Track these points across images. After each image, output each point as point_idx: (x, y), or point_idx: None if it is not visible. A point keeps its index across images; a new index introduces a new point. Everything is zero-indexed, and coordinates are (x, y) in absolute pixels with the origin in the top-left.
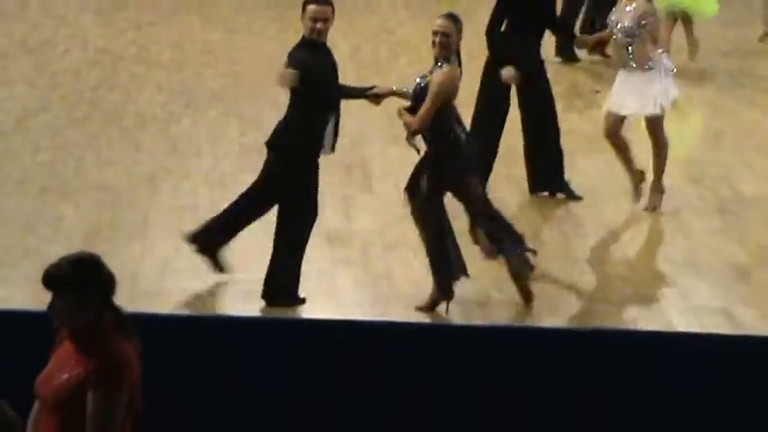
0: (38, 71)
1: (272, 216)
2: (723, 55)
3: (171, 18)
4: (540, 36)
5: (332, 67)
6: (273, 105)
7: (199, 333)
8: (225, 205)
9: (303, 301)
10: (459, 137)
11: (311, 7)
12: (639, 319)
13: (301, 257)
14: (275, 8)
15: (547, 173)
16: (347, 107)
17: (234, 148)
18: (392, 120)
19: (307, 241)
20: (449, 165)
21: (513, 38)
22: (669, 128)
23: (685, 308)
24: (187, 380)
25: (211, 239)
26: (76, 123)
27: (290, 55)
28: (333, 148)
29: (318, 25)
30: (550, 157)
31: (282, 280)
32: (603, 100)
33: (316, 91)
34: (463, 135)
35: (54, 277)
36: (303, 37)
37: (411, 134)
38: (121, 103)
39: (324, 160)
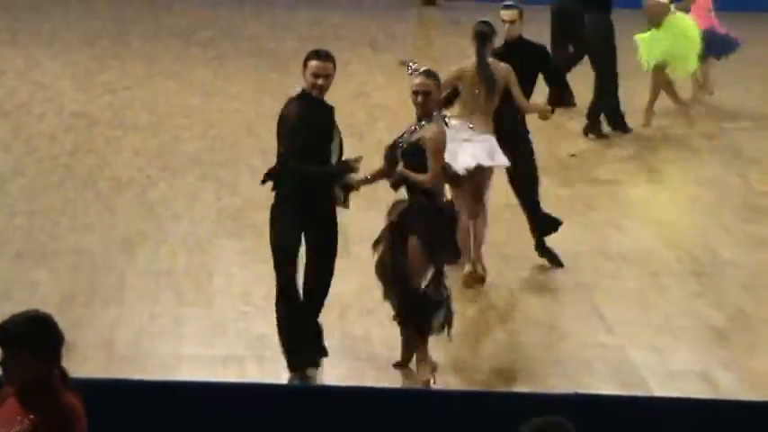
0: (13, 135)
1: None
2: (699, 118)
3: (147, 82)
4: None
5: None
6: (250, 169)
7: (175, 399)
8: (200, 270)
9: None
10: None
11: (313, 63)
12: (618, 383)
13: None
14: (253, 72)
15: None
16: None
17: (211, 212)
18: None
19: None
20: (434, 222)
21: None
22: (645, 192)
23: (664, 372)
24: None
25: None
26: (52, 187)
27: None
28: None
29: (320, 81)
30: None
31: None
32: (580, 164)
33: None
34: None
35: (8, 334)
36: (303, 90)
37: (422, 191)
38: (97, 166)
39: None
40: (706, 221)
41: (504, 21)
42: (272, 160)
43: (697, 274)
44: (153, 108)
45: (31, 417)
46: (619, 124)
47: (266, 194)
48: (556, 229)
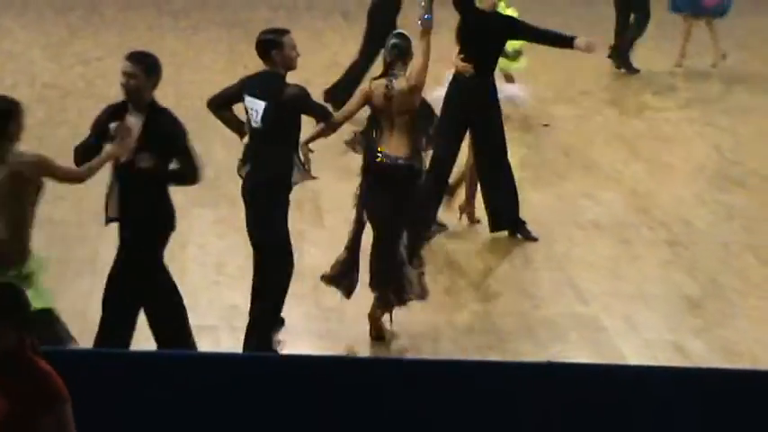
0: None
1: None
2: (673, 87)
3: (119, 52)
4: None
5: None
6: (223, 139)
7: (148, 369)
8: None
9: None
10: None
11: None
12: (592, 352)
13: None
14: (225, 42)
15: (505, 210)
16: None
17: None
18: (341, 154)
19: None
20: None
21: (471, 77)
22: (621, 161)
23: (637, 341)
24: (135, 416)
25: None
26: None
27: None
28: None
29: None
30: (507, 193)
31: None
32: (553, 134)
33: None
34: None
35: None
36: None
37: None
38: (70, 138)
39: None
40: (679, 191)
41: None
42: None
43: (670, 243)
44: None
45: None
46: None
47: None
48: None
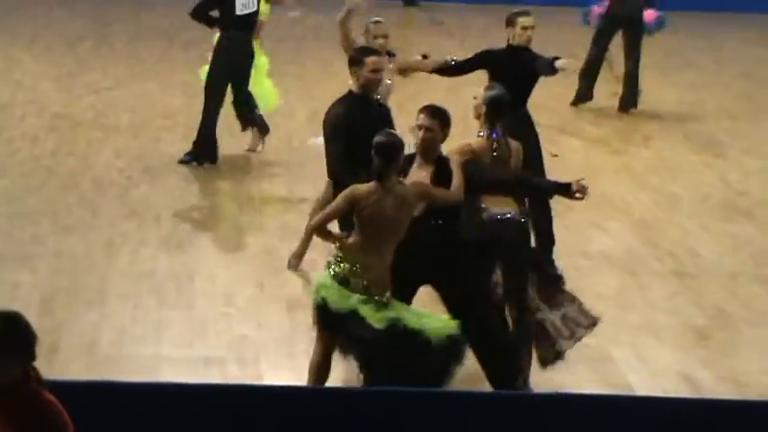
0: None
1: (222, 280)
2: (680, 118)
3: (129, 83)
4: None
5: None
6: (232, 171)
7: (157, 400)
8: (182, 271)
9: None
10: None
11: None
12: (600, 383)
13: None
14: None
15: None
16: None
17: (192, 213)
18: None
19: None
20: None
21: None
22: (629, 191)
23: (645, 371)
24: None
25: None
26: (33, 189)
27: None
28: None
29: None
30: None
31: None
32: (561, 164)
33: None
34: None
35: None
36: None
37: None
38: (79, 168)
39: (285, 228)
40: (686, 221)
41: (524, 27)
42: (255, 161)
43: (677, 274)
44: (135, 109)
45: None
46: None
47: (247, 195)
48: None
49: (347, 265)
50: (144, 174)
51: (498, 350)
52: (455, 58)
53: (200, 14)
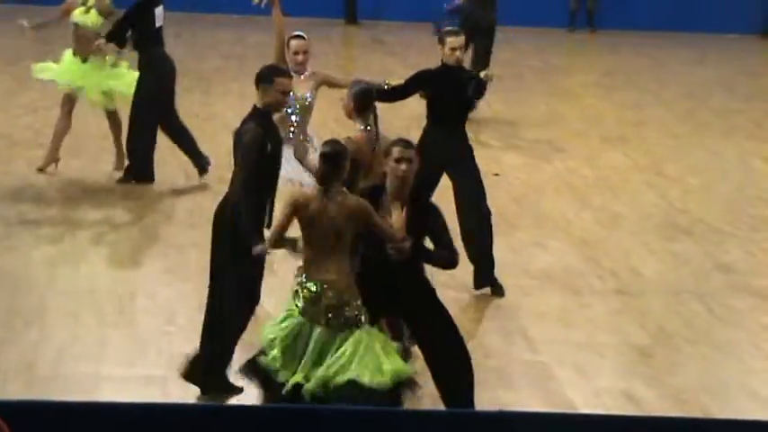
0: None
1: (163, 298)
2: (622, 136)
3: None
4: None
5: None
6: (173, 189)
7: (97, 420)
8: (122, 290)
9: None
10: None
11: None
12: (543, 401)
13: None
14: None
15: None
16: None
17: (133, 231)
18: None
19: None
20: None
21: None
22: (571, 210)
23: (588, 389)
24: None
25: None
26: None
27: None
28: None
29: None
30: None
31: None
32: (503, 183)
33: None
34: None
35: None
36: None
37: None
38: (19, 187)
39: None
40: (628, 240)
41: (452, 48)
42: (194, 179)
43: (619, 293)
44: (74, 129)
45: None
46: None
47: (188, 213)
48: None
49: (311, 285)
50: (84, 193)
51: (459, 366)
52: (388, 82)
53: (118, 36)
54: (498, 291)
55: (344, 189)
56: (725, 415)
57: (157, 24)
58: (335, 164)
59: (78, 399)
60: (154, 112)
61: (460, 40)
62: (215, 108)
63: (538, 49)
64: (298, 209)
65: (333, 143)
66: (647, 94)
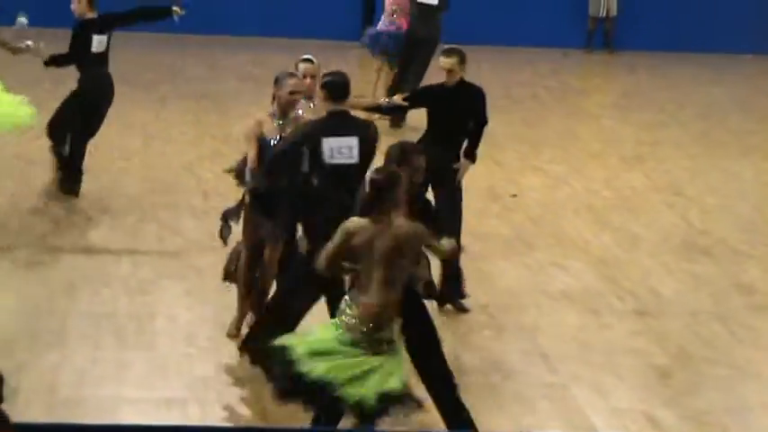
0: None
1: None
2: (639, 157)
3: None
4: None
5: None
6: (191, 211)
7: None
8: (143, 312)
9: None
10: None
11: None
12: (563, 422)
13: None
14: (193, 113)
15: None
16: None
17: (153, 253)
18: None
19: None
20: None
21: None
22: (589, 230)
23: (607, 410)
24: None
25: None
26: None
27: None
28: None
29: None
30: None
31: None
32: (522, 203)
33: None
34: None
35: None
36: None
37: None
38: (38, 209)
39: None
40: (647, 260)
41: (442, 68)
42: (213, 201)
43: (638, 313)
44: (93, 150)
45: None
46: None
47: (208, 235)
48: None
49: (354, 307)
50: (103, 215)
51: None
52: (387, 100)
53: (59, 62)
54: (461, 307)
55: (398, 212)
56: None
57: (94, 50)
58: (385, 193)
59: (99, 421)
60: (86, 125)
61: (449, 61)
62: (232, 129)
63: (555, 71)
64: (350, 237)
65: (382, 170)
66: (664, 114)
